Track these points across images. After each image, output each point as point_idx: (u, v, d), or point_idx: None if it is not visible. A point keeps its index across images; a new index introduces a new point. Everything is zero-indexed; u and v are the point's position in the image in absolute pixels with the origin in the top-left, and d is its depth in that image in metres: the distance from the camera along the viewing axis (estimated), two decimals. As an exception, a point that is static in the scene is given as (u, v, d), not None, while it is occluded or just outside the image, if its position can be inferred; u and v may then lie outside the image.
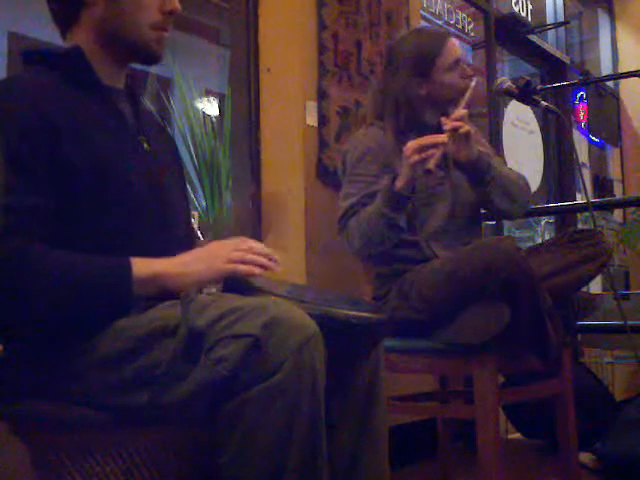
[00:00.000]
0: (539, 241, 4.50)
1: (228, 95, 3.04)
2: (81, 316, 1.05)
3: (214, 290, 1.14)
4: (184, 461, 1.09)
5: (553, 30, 4.72)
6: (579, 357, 3.53)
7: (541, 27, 4.45)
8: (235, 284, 1.12)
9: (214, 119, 4.11)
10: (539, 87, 1.89)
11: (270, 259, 1.12)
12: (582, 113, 4.90)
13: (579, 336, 3.43)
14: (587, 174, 4.80)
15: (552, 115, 4.20)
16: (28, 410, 1.08)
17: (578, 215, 4.34)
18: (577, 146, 4.67)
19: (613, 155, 5.35)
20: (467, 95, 1.83)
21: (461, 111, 1.79)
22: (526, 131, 4.08)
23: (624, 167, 5.28)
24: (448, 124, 1.74)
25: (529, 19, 4.34)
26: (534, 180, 3.96)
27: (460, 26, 3.89)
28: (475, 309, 1.67)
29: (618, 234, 4.68)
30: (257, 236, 2.37)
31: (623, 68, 5.12)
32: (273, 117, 2.38)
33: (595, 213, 2.03)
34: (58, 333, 1.05)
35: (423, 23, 3.18)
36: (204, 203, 3.72)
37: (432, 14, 3.68)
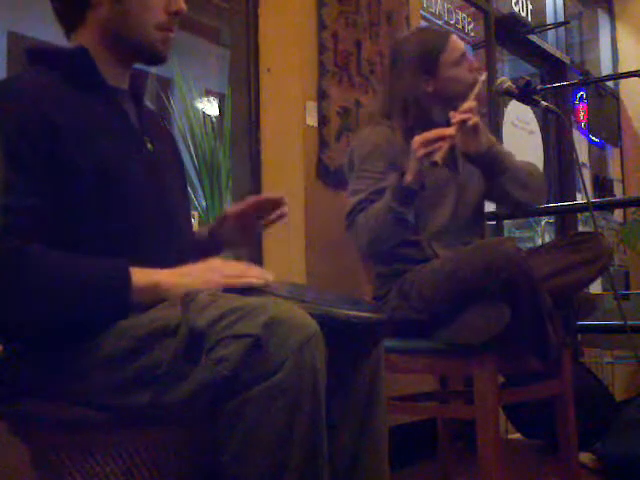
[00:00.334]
0: (539, 241, 4.52)
1: (228, 95, 3.03)
2: (77, 319, 1.04)
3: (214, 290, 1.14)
4: (184, 461, 1.09)
5: (553, 30, 4.72)
6: (579, 357, 3.53)
7: (541, 27, 4.45)
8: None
9: (214, 119, 4.11)
10: (539, 87, 1.89)
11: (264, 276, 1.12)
12: (582, 113, 4.90)
13: (579, 336, 3.43)
14: (587, 174, 4.80)
15: (552, 115, 4.21)
16: (28, 410, 1.08)
17: (578, 215, 4.34)
18: (577, 146, 4.67)
19: (613, 155, 5.35)
20: (476, 88, 1.83)
21: (470, 103, 1.78)
22: (526, 131, 4.08)
23: (624, 167, 5.28)
24: (456, 116, 1.74)
25: (529, 19, 4.34)
26: (534, 180, 3.95)
27: (460, 26, 3.89)
28: (475, 309, 1.67)
29: (618, 234, 4.68)
30: (257, 236, 2.37)
31: (623, 68, 5.12)
32: (273, 117, 2.38)
33: (595, 213, 2.03)
34: (54, 335, 1.05)
35: (423, 23, 3.18)
36: (204, 203, 3.72)
37: (432, 14, 3.68)
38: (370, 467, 1.22)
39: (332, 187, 2.33)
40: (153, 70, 1.33)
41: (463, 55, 1.92)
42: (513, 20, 4.01)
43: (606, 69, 5.31)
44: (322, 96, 2.34)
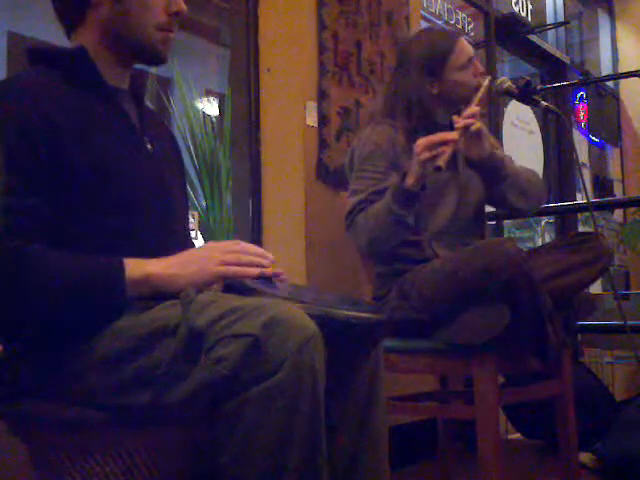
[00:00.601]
0: (539, 241, 4.52)
1: (228, 95, 3.03)
2: (74, 317, 1.04)
3: (214, 290, 1.14)
4: (184, 461, 1.09)
5: (553, 30, 4.72)
6: (579, 357, 3.53)
7: (541, 27, 4.45)
8: (235, 285, 1.12)
9: (214, 119, 4.11)
10: (539, 87, 1.89)
11: (266, 258, 1.12)
12: (582, 113, 4.91)
13: (579, 336, 3.43)
14: (587, 174, 4.80)
15: (552, 115, 4.21)
16: (28, 410, 1.08)
17: (578, 215, 4.34)
18: (577, 146, 4.67)
19: (613, 155, 5.35)
20: (480, 93, 1.82)
21: (473, 108, 1.77)
22: (526, 131, 4.08)
23: (624, 167, 5.28)
24: (459, 122, 1.73)
25: (529, 19, 4.34)
26: (534, 180, 3.96)
27: (460, 26, 3.89)
28: (475, 309, 1.67)
29: (618, 234, 4.68)
30: (257, 236, 2.37)
31: (623, 68, 5.12)
32: (273, 117, 2.38)
33: (595, 213, 2.03)
34: (53, 334, 1.05)
35: (423, 23, 3.18)
36: (204, 203, 3.72)
37: (432, 14, 3.68)
38: (370, 467, 1.22)
39: (332, 187, 2.33)
40: (153, 70, 1.33)
41: (470, 59, 1.91)
42: (513, 20, 4.01)
43: (606, 69, 5.31)
44: (322, 96, 2.34)
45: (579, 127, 4.86)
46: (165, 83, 5.06)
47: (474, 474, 1.73)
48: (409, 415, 2.36)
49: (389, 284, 1.87)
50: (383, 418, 1.25)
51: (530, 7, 4.40)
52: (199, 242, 2.70)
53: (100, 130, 1.15)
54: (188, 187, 1.60)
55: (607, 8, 5.38)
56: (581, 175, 4.20)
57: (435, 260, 1.80)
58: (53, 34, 1.27)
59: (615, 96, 5.25)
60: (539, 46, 4.30)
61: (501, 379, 2.40)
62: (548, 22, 4.68)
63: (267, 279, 1.14)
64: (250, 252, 1.12)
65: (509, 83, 1.89)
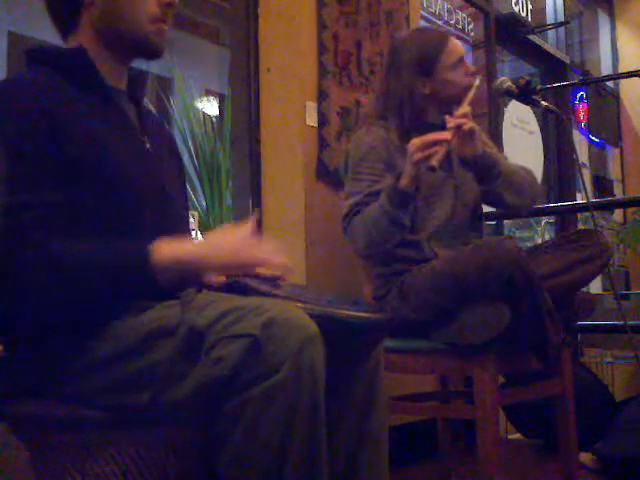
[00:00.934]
0: (539, 241, 4.51)
1: (228, 95, 3.04)
2: (104, 305, 1.06)
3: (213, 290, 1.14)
4: (184, 461, 1.09)
5: (553, 30, 4.72)
6: (579, 357, 3.53)
7: (541, 27, 4.45)
8: (235, 284, 1.12)
9: (214, 119, 4.12)
10: (539, 87, 1.89)
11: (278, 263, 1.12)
12: (582, 113, 4.91)
13: (579, 336, 3.43)
14: (587, 174, 4.80)
15: (552, 115, 4.20)
16: (28, 410, 1.08)
17: (578, 215, 4.34)
18: (577, 146, 4.67)
19: (613, 155, 5.35)
20: (471, 93, 1.83)
21: (465, 108, 1.78)
22: (526, 131, 4.08)
23: (624, 167, 5.28)
24: (452, 122, 1.74)
25: (529, 19, 4.34)
26: (534, 180, 3.96)
27: (460, 26, 3.89)
28: (475, 309, 1.67)
29: (618, 234, 4.68)
30: (257, 237, 2.37)
31: (623, 68, 5.12)
32: (273, 117, 2.38)
33: (595, 213, 2.03)
34: (86, 316, 1.05)
35: (423, 23, 3.18)
36: (204, 203, 3.72)
37: (432, 14, 3.68)
38: (370, 467, 1.22)
39: (332, 187, 2.33)
40: (153, 70, 1.33)
41: (461, 59, 1.92)
42: (513, 20, 4.01)
43: (606, 69, 5.31)
44: (322, 96, 2.34)
45: (579, 127, 4.86)
46: (165, 83, 5.06)
47: (474, 474, 1.73)
48: (409, 415, 2.36)
49: (389, 284, 1.87)
50: (383, 418, 1.25)
51: (530, 7, 4.40)
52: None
53: (100, 129, 1.15)
54: (188, 187, 1.60)
55: (607, 8, 5.38)
56: (581, 175, 4.21)
57: (434, 260, 1.80)
58: (53, 34, 1.27)
59: (615, 96, 5.25)
60: (539, 46, 4.30)
61: (501, 379, 2.40)
62: (548, 22, 4.68)
63: (268, 279, 1.14)
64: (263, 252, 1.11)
65: (509, 83, 1.89)
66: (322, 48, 2.36)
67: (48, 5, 1.23)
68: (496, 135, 3.50)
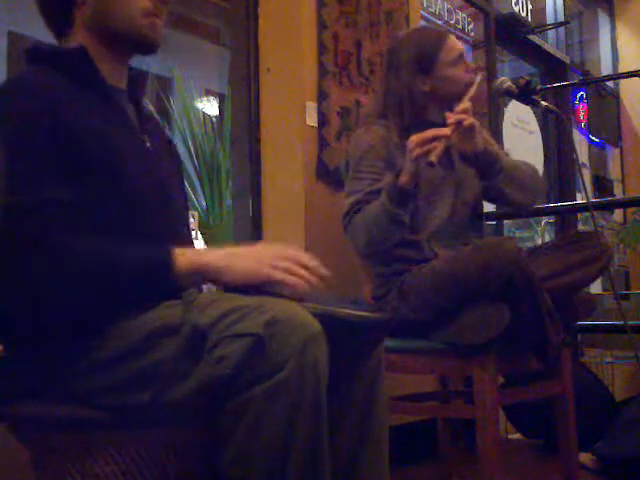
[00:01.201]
0: (539, 241, 4.51)
1: (228, 95, 3.04)
2: (122, 306, 1.06)
3: (215, 289, 1.14)
4: (184, 461, 1.09)
5: (553, 30, 4.72)
6: (579, 357, 3.53)
7: (541, 27, 4.45)
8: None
9: (214, 119, 4.12)
10: (539, 87, 1.89)
11: (315, 272, 1.11)
12: (582, 113, 4.91)
13: (579, 336, 3.43)
14: (587, 174, 4.81)
15: (552, 115, 4.20)
16: (28, 410, 1.08)
17: (578, 215, 4.34)
18: (577, 146, 4.67)
19: (613, 155, 5.35)
20: (472, 89, 1.82)
21: (465, 104, 1.78)
22: (526, 131, 4.08)
23: (624, 167, 5.28)
24: (452, 117, 1.74)
25: (529, 19, 4.34)
26: (534, 180, 3.96)
27: (460, 26, 3.89)
28: (475, 310, 1.67)
29: (618, 234, 4.68)
30: (257, 237, 2.37)
31: (623, 68, 5.13)
32: (273, 117, 2.38)
33: (595, 213, 2.03)
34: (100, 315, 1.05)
35: (423, 23, 3.18)
36: (204, 203, 3.72)
37: (432, 14, 3.68)
38: (370, 466, 1.22)
39: (332, 187, 2.33)
40: (153, 70, 1.33)
41: (460, 56, 1.92)
42: (513, 20, 4.01)
43: (606, 69, 5.31)
44: (322, 96, 2.34)
45: (579, 127, 4.86)
46: (165, 83, 5.07)
47: (474, 474, 1.73)
48: (409, 415, 2.36)
49: (389, 284, 1.87)
50: (384, 417, 1.25)
51: (530, 7, 4.40)
52: (199, 242, 2.70)
53: (100, 128, 1.15)
54: (188, 187, 1.60)
55: (607, 8, 5.38)
56: (581, 175, 4.21)
57: (434, 260, 1.80)
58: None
59: (615, 96, 5.25)
60: (539, 46, 4.30)
61: (501, 379, 2.40)
62: (548, 22, 4.68)
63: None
64: (302, 263, 1.10)
65: (509, 83, 1.89)
66: (322, 48, 2.36)
67: (41, 7, 1.23)
68: (496, 135, 3.50)
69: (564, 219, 4.33)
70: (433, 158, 1.61)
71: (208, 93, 5.79)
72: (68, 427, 1.07)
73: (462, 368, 1.80)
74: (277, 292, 1.09)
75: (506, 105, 3.87)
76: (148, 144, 1.24)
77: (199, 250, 1.09)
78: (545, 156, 4.27)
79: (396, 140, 1.86)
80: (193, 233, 1.50)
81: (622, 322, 1.94)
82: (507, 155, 1.99)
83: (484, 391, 1.69)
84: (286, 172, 2.34)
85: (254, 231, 2.38)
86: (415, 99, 1.90)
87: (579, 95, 4.90)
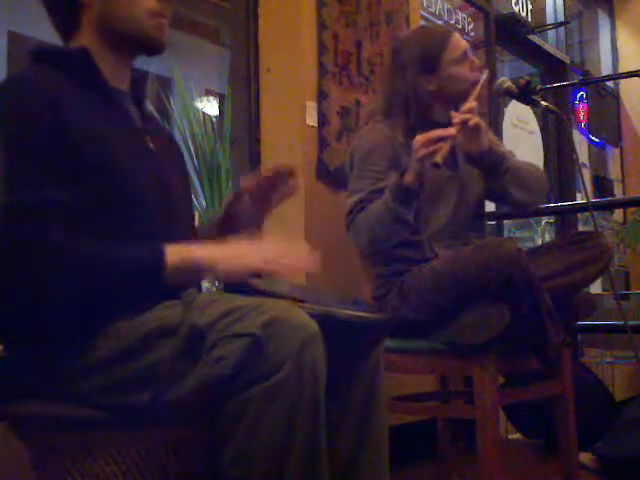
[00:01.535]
0: (539, 241, 4.51)
1: (228, 95, 3.03)
2: (116, 304, 1.06)
3: (214, 290, 1.14)
4: (184, 461, 1.09)
5: (553, 30, 4.72)
6: (579, 357, 3.53)
7: (541, 27, 4.45)
8: (236, 284, 1.12)
9: (214, 119, 4.11)
10: (539, 87, 1.88)
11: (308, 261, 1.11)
12: (582, 113, 4.91)
13: (579, 336, 3.43)
14: (587, 174, 4.81)
15: (552, 115, 4.21)
16: (28, 410, 1.08)
17: (578, 215, 4.34)
18: (577, 146, 4.67)
19: (613, 155, 5.35)
20: (478, 88, 1.82)
21: (471, 103, 1.77)
22: (526, 131, 4.08)
23: (624, 167, 5.28)
24: (457, 117, 1.73)
25: (529, 19, 4.34)
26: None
27: (460, 26, 3.89)
28: (475, 310, 1.67)
29: (618, 234, 4.68)
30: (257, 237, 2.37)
31: (623, 68, 5.13)
32: (273, 117, 2.38)
33: (595, 213, 2.03)
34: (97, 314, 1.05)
35: (423, 23, 3.18)
36: (204, 203, 3.72)
37: (432, 14, 3.68)
38: (370, 466, 1.22)
39: (332, 187, 2.33)
40: (153, 70, 1.33)
41: (465, 53, 1.91)
42: (513, 20, 4.01)
43: (606, 69, 5.31)
44: (322, 96, 2.34)
45: (579, 127, 4.86)
46: (165, 83, 5.06)
47: (474, 474, 1.73)
48: (409, 415, 2.36)
49: (389, 284, 1.87)
50: (383, 417, 1.25)
51: (530, 7, 4.40)
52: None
53: (103, 128, 1.15)
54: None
55: (607, 8, 5.38)
56: (581, 175, 4.21)
57: (435, 260, 1.80)
58: (53, 34, 1.28)
59: (615, 96, 5.25)
60: (539, 46, 4.30)
61: (501, 379, 2.40)
62: (548, 22, 4.68)
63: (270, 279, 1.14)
64: (295, 253, 1.11)
65: (509, 83, 1.89)
66: (322, 48, 2.36)
67: (47, 8, 1.23)
68: (496, 135, 3.50)
69: (564, 219, 4.33)
70: (438, 159, 1.60)
71: (208, 93, 5.79)
72: (68, 427, 1.07)
73: (462, 368, 1.80)
74: (277, 292, 1.09)
75: (506, 105, 3.87)
76: (151, 145, 1.24)
77: (192, 248, 1.08)
78: (545, 156, 4.27)
79: (401, 140, 1.85)
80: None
81: (622, 322, 1.94)
82: (513, 155, 1.99)
83: (484, 391, 1.69)
84: (286, 172, 2.33)
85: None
86: (421, 98, 1.89)
87: (579, 95, 4.90)
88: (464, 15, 3.93)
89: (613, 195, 5.13)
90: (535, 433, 2.83)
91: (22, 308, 1.04)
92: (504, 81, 1.90)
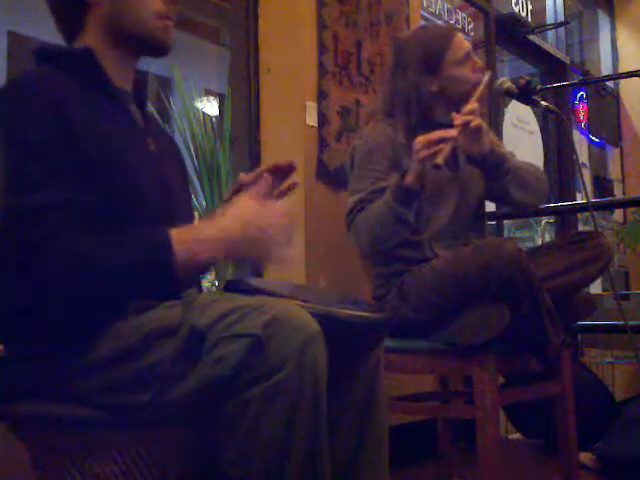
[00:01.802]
0: (539, 241, 4.52)
1: (228, 95, 3.03)
2: (125, 304, 1.06)
3: (214, 290, 1.14)
4: (185, 461, 1.09)
5: (553, 30, 4.72)
6: (579, 357, 3.53)
7: (541, 27, 4.45)
8: (237, 284, 1.12)
9: (214, 119, 4.11)
10: (539, 87, 1.88)
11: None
12: (582, 113, 4.91)
13: (579, 336, 3.43)
14: (587, 174, 4.81)
15: (552, 115, 4.20)
16: (28, 409, 1.08)
17: (578, 215, 4.34)
18: (577, 146, 4.67)
19: (613, 155, 5.35)
20: (480, 89, 1.81)
21: (472, 104, 1.77)
22: (526, 131, 4.08)
23: (624, 167, 5.28)
24: (458, 119, 1.73)
25: (529, 19, 4.34)
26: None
27: (460, 26, 3.89)
28: (475, 310, 1.67)
29: (618, 234, 4.68)
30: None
31: (623, 68, 5.13)
32: (273, 117, 2.38)
33: (595, 213, 2.03)
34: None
35: (423, 23, 3.18)
36: (204, 203, 3.72)
37: (432, 14, 3.68)
38: (370, 466, 1.22)
39: (332, 187, 2.33)
40: (153, 70, 1.33)
41: (468, 54, 1.90)
42: (513, 20, 4.01)
43: (606, 69, 5.31)
44: (322, 96, 2.34)
45: (579, 127, 4.87)
46: (165, 83, 5.07)
47: (474, 474, 1.73)
48: (409, 415, 2.36)
49: (389, 284, 1.87)
50: (384, 417, 1.25)
51: (530, 7, 4.40)
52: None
53: (105, 128, 1.15)
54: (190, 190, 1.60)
55: (607, 8, 5.38)
56: (581, 175, 4.21)
57: (435, 260, 1.80)
58: (53, 34, 1.28)
59: (615, 96, 5.25)
60: (539, 46, 4.30)
61: (501, 379, 2.40)
62: (548, 22, 4.68)
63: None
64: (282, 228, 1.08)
65: (509, 83, 1.89)
66: (322, 48, 2.36)
67: (52, 7, 1.22)
68: (496, 135, 3.50)
69: (564, 219, 4.33)
70: (440, 160, 1.60)
71: (208, 93, 5.79)
72: (68, 427, 1.07)
73: (462, 368, 1.80)
74: (277, 292, 1.09)
75: (506, 105, 3.87)
76: (152, 146, 1.24)
77: (193, 247, 1.07)
78: (545, 156, 4.27)
79: (402, 140, 1.84)
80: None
81: (622, 322, 1.94)
82: (514, 156, 1.99)
83: (484, 391, 1.69)
84: (286, 172, 2.33)
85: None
86: (422, 99, 1.89)
87: (579, 95, 4.90)
88: (464, 15, 3.93)
89: (613, 195, 5.13)
90: (535, 433, 2.83)
91: (22, 308, 1.04)
92: (504, 81, 1.90)
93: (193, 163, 3.76)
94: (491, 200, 2.14)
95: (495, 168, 1.87)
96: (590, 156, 4.99)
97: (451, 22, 3.82)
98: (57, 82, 1.13)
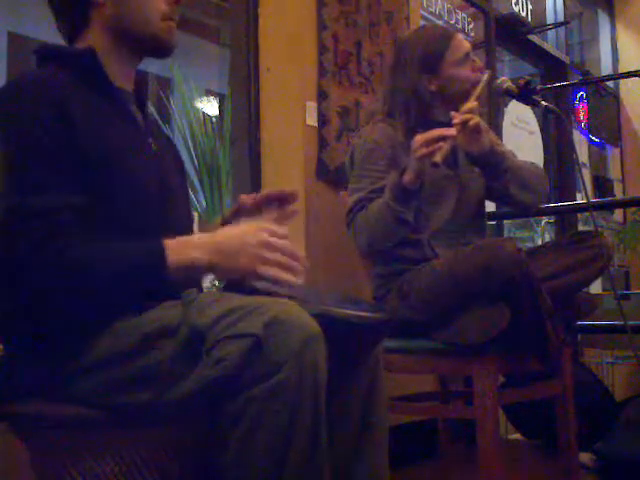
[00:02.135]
0: (539, 241, 4.51)
1: (228, 95, 3.04)
2: (118, 307, 1.06)
3: (214, 290, 1.14)
4: (184, 461, 1.09)
5: (553, 30, 4.72)
6: (579, 357, 3.53)
7: (541, 27, 4.45)
8: (236, 284, 1.12)
9: (214, 119, 4.12)
10: (539, 87, 1.88)
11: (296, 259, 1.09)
12: (582, 113, 4.91)
13: (579, 336, 3.43)
14: (587, 174, 4.80)
15: (552, 115, 4.21)
16: (28, 410, 1.08)
17: (578, 215, 4.34)
18: (577, 146, 4.67)
19: (613, 155, 5.35)
20: (479, 88, 1.82)
21: (471, 103, 1.77)
22: (526, 131, 4.08)
23: (624, 167, 5.28)
24: (457, 117, 1.73)
25: (529, 19, 4.34)
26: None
27: (460, 26, 3.89)
28: (475, 310, 1.67)
29: (618, 234, 4.67)
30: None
31: (623, 68, 5.13)
32: (273, 117, 2.38)
33: (595, 213, 2.04)
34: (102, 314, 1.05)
35: (423, 23, 3.18)
36: (204, 203, 3.73)
37: (432, 14, 3.68)
38: (370, 466, 1.22)
39: (332, 187, 2.33)
40: (153, 70, 1.34)
41: (467, 54, 1.90)
42: (513, 20, 4.01)
43: (606, 69, 5.31)
44: (322, 96, 2.34)
45: (579, 127, 4.86)
46: (165, 83, 5.06)
47: (474, 474, 1.73)
48: (409, 415, 2.36)
49: (388, 284, 1.87)
50: (383, 417, 1.25)
51: (530, 7, 4.40)
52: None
53: (108, 128, 1.15)
54: (188, 187, 1.60)
55: (607, 8, 5.38)
56: (581, 175, 4.21)
57: (435, 260, 1.80)
58: (53, 34, 1.27)
59: (615, 96, 5.25)
60: (539, 46, 4.30)
61: (501, 379, 2.40)
62: (548, 22, 4.68)
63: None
64: (287, 252, 1.08)
65: (509, 83, 1.89)
66: (322, 48, 2.36)
67: (55, 8, 1.22)
68: (496, 135, 3.50)
69: (564, 219, 4.33)
70: (438, 158, 1.60)
71: (208, 93, 5.79)
72: (68, 427, 1.07)
73: (462, 368, 1.80)
74: (277, 292, 1.09)
75: (506, 105, 3.87)
76: (153, 146, 1.25)
77: (188, 244, 1.07)
78: (545, 156, 4.27)
79: (402, 139, 1.85)
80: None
81: (622, 322, 1.93)
82: (515, 155, 1.99)
83: (484, 391, 1.69)
84: (286, 172, 2.34)
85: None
86: (421, 98, 1.89)
87: (579, 95, 4.90)
88: (464, 15, 3.93)
89: (613, 195, 5.13)
90: (535, 433, 2.83)
91: (23, 308, 1.04)
92: (504, 81, 1.90)
93: (193, 163, 3.76)
94: (491, 200, 2.14)
95: (495, 167, 1.87)
96: (590, 156, 4.99)
97: (451, 22, 3.82)
98: (58, 82, 1.13)
